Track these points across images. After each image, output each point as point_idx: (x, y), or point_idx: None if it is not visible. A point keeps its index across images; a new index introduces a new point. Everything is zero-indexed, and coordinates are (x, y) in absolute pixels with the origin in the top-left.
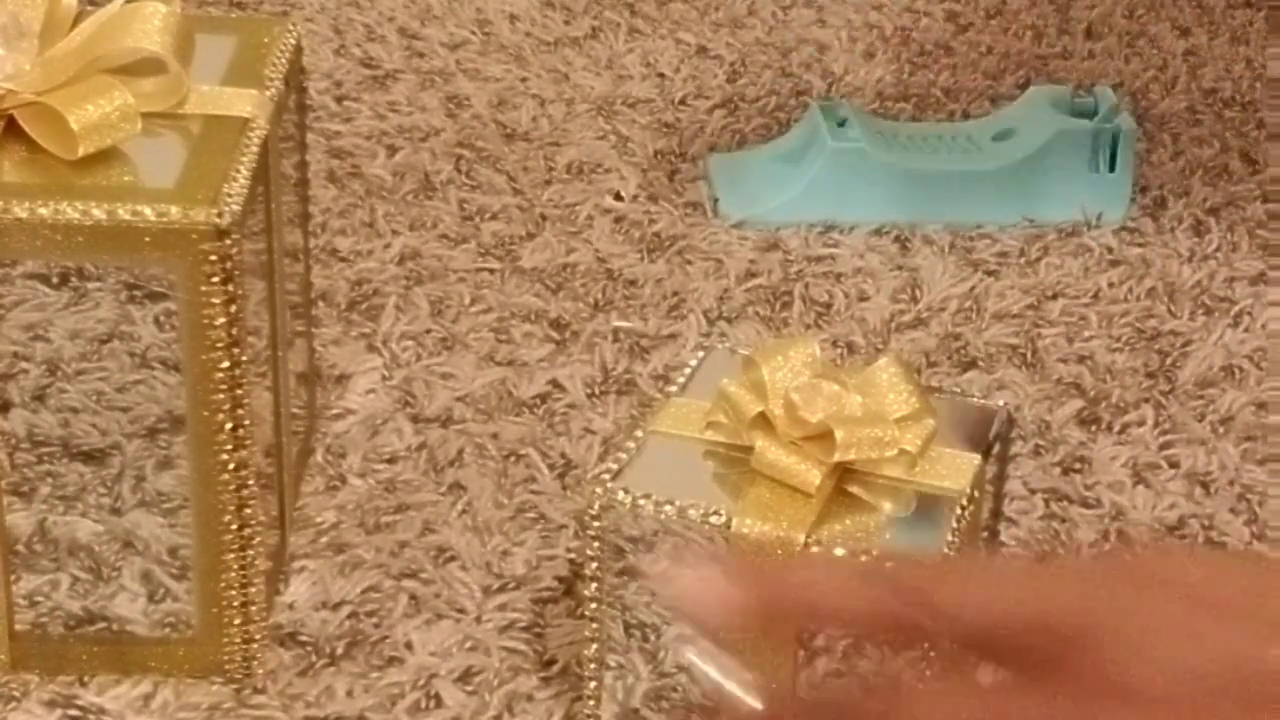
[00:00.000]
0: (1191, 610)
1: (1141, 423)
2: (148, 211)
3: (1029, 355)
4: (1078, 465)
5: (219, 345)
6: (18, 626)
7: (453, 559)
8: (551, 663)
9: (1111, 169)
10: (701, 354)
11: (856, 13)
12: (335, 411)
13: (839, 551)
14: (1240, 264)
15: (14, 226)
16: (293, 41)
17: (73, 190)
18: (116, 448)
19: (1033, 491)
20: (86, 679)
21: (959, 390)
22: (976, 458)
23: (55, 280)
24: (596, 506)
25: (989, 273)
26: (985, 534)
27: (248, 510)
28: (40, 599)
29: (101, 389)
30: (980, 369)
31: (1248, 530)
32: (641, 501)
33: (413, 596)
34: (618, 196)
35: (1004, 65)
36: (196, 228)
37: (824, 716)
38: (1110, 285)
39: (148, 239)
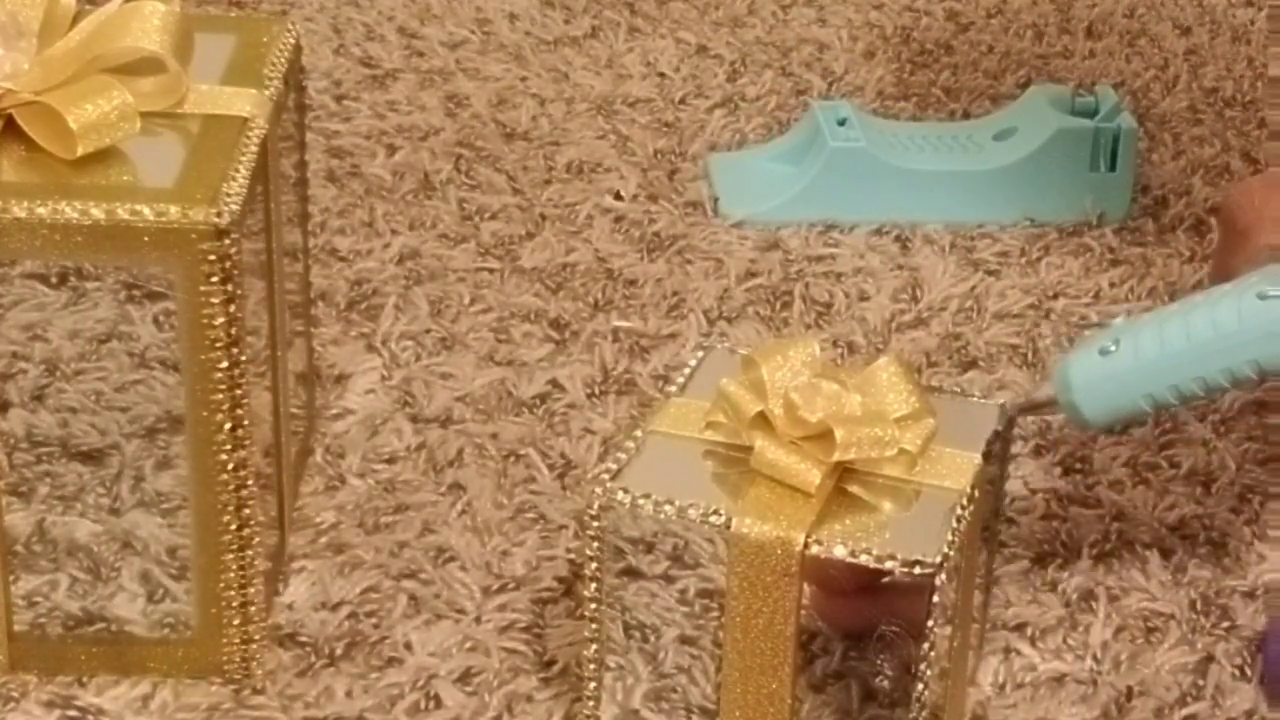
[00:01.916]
0: None
1: (1142, 423)
2: (146, 211)
3: (1029, 355)
4: (1078, 465)
5: (218, 345)
6: (16, 627)
7: (452, 559)
8: (551, 663)
9: (1112, 168)
10: (701, 354)
11: (857, 12)
12: (334, 411)
13: (839, 551)
14: None
15: (12, 226)
16: (292, 41)
17: (71, 190)
18: (115, 448)
19: (1033, 491)
20: (85, 679)
21: (959, 390)
22: (976, 457)
23: (54, 280)
24: (595, 507)
25: (990, 272)
26: (985, 534)
27: (247, 510)
28: (39, 599)
29: (100, 389)
30: (981, 369)
31: (1248, 530)
32: (641, 502)
33: (412, 597)
34: (617, 196)
35: (1005, 64)
36: (195, 227)
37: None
38: (1111, 285)
39: (146, 239)
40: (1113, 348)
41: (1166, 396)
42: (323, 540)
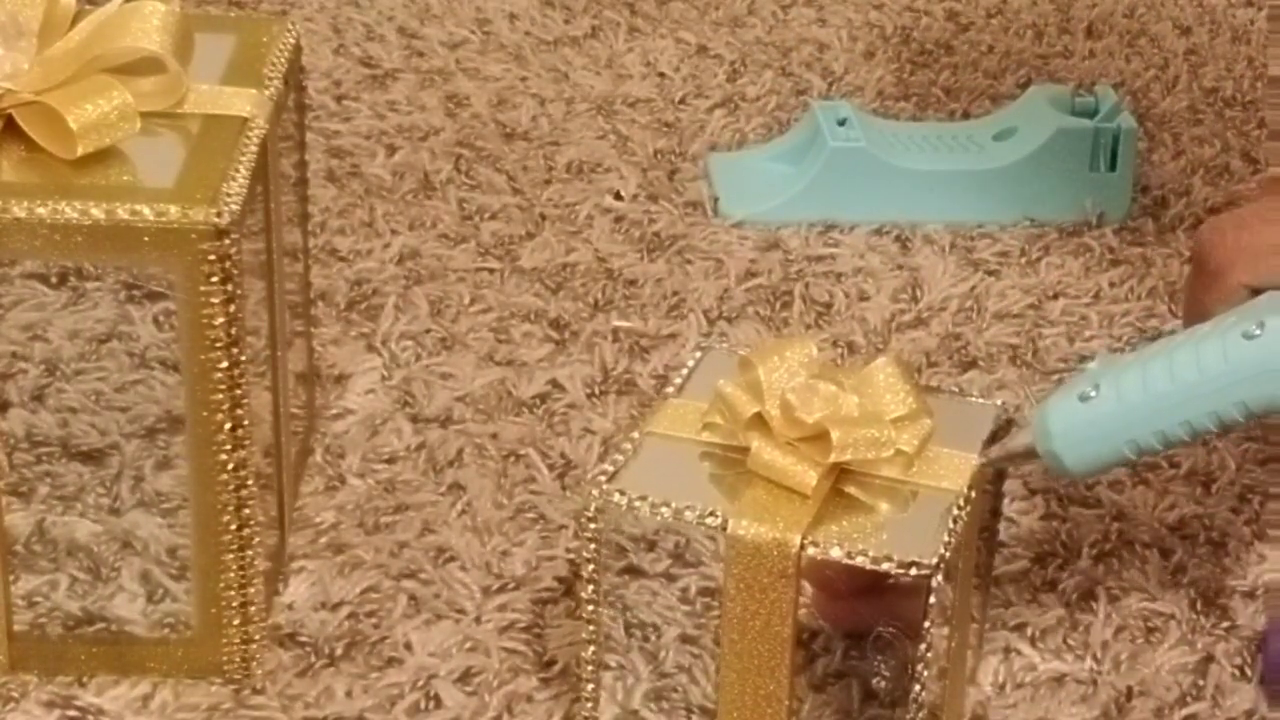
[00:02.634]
0: None
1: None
2: (146, 211)
3: (1029, 355)
4: None
5: (218, 345)
6: (16, 627)
7: (452, 559)
8: (551, 663)
9: (1112, 168)
10: (698, 354)
11: (856, 12)
12: (334, 411)
13: (835, 552)
14: None
15: (12, 226)
16: (292, 41)
17: (71, 190)
18: (115, 448)
19: (1033, 492)
20: (85, 679)
21: (958, 389)
22: (974, 458)
23: (54, 280)
24: (593, 508)
25: (989, 272)
26: (985, 534)
27: (247, 510)
28: (39, 599)
29: (100, 389)
30: (981, 369)
31: (1248, 530)
32: (638, 503)
33: (412, 597)
34: (617, 196)
35: (1004, 64)
36: (195, 227)
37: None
38: (1111, 285)
39: (146, 239)
40: (1093, 393)
41: (1151, 442)
42: (323, 540)
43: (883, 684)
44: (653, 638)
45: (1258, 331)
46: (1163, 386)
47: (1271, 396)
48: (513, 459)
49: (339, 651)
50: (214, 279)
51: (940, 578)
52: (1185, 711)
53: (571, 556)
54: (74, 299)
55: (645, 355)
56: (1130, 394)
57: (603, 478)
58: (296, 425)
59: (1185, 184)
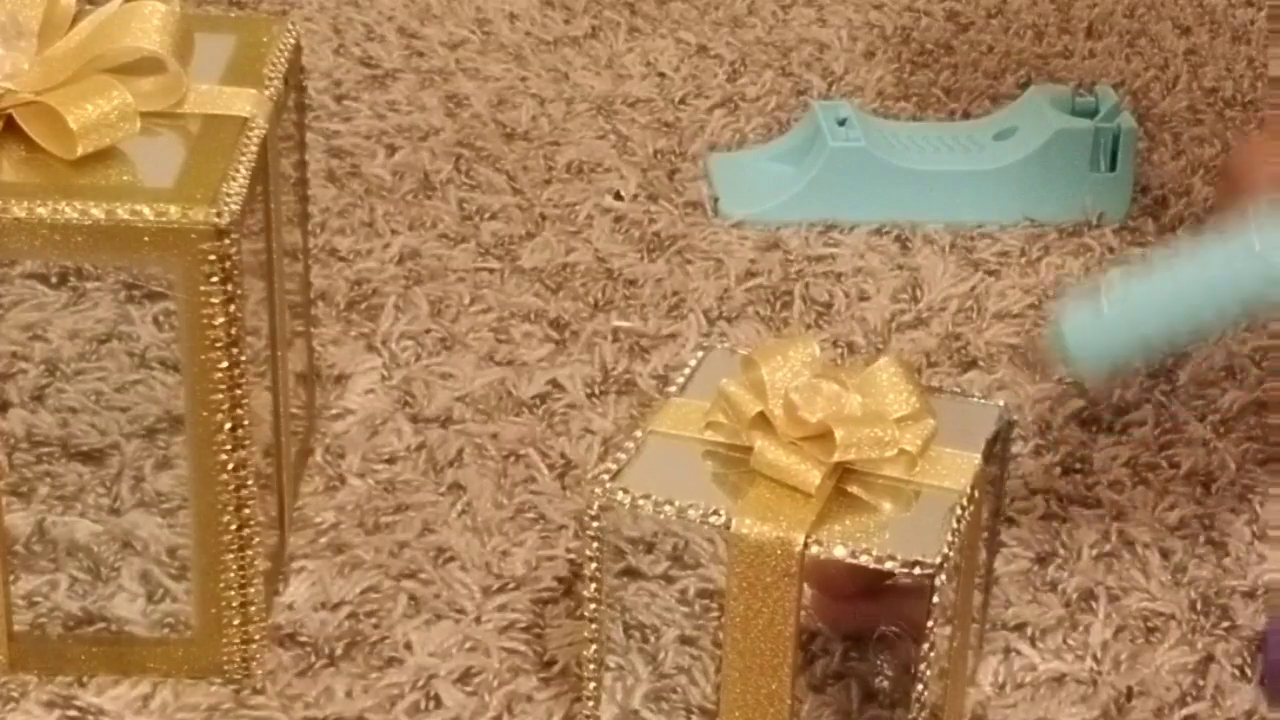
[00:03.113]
0: None
1: (1142, 423)
2: (146, 211)
3: (1029, 355)
4: (1078, 465)
5: (218, 345)
6: (16, 627)
7: (452, 559)
8: (551, 663)
9: (1112, 168)
10: (701, 354)
11: (856, 12)
12: (334, 411)
13: (839, 551)
14: None
15: (12, 226)
16: (292, 41)
17: (71, 190)
18: (115, 448)
19: (1033, 492)
20: (85, 679)
21: (959, 390)
22: (976, 457)
23: (54, 280)
24: (595, 507)
25: (990, 272)
26: (985, 534)
27: (247, 510)
28: (39, 599)
29: (100, 389)
30: (981, 369)
31: (1249, 530)
32: (641, 502)
33: (412, 597)
34: (617, 196)
35: (1004, 64)
36: (195, 227)
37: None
38: None
39: (146, 239)
40: (1107, 295)
41: (1160, 336)
42: (323, 540)
43: (884, 684)
44: (652, 639)
45: (1257, 238)
46: (1168, 286)
47: (1265, 295)
48: (513, 459)
49: (339, 651)
50: (214, 279)
51: (944, 577)
52: (1185, 711)
53: (572, 556)
54: (74, 299)
55: (645, 355)
56: (1138, 294)
57: (605, 476)
58: (296, 425)
59: (1185, 184)
